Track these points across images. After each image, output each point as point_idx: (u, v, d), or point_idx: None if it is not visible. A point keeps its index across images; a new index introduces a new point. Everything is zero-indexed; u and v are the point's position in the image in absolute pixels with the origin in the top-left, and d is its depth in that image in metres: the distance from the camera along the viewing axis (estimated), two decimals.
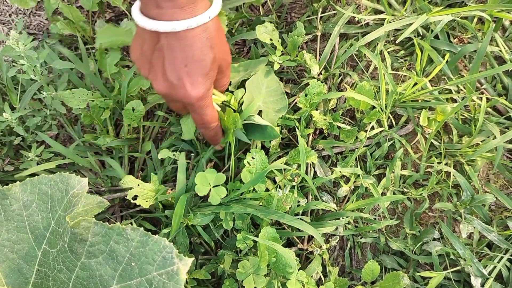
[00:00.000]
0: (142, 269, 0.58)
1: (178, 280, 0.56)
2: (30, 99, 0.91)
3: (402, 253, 0.92)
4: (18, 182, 0.66)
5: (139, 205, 0.96)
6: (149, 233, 0.58)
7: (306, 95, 0.86)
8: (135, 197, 0.81)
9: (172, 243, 0.80)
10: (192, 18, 0.59)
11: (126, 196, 0.96)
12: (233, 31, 1.03)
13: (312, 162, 0.90)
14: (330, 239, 0.87)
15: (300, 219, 0.82)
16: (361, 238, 0.91)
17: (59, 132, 1.00)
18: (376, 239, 0.91)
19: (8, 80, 0.90)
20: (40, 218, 0.65)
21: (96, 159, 0.94)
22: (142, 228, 0.59)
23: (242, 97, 0.87)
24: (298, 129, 0.87)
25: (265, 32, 0.86)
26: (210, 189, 0.80)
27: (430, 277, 0.85)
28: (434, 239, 0.88)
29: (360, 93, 0.81)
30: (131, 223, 0.92)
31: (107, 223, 0.60)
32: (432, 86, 0.91)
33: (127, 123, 0.90)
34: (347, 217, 0.87)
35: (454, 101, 0.93)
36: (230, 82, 0.89)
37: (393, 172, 0.90)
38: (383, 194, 0.91)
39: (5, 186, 0.65)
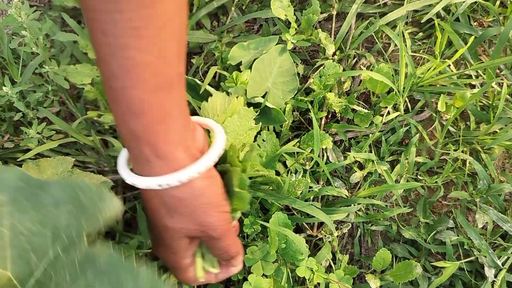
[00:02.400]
0: None
1: None
2: (32, 73, 0.87)
3: (414, 242, 0.89)
4: (62, 181, 0.62)
5: None
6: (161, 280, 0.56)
7: (320, 76, 0.82)
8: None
9: None
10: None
11: None
12: (244, 8, 0.98)
13: (325, 147, 0.87)
14: (340, 226, 0.84)
15: (311, 204, 0.79)
16: (372, 225, 0.89)
17: (60, 109, 0.96)
18: (388, 227, 0.89)
19: (8, 53, 0.86)
20: (66, 224, 0.62)
21: (99, 138, 0.90)
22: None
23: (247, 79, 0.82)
24: (312, 112, 0.84)
25: (280, 7, 0.82)
26: None
27: (442, 267, 0.83)
28: (448, 229, 0.86)
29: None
30: (135, 205, 0.90)
31: (123, 257, 0.57)
32: (450, 71, 0.87)
33: None
34: (359, 204, 0.85)
35: (472, 87, 0.90)
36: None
37: (407, 158, 0.87)
38: (396, 181, 0.88)
39: (45, 178, 0.62)
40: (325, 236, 0.80)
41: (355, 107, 0.80)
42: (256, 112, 0.73)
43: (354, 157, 0.83)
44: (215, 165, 0.53)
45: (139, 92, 0.43)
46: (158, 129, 0.45)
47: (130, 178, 0.50)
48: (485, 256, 0.82)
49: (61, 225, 0.61)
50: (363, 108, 0.86)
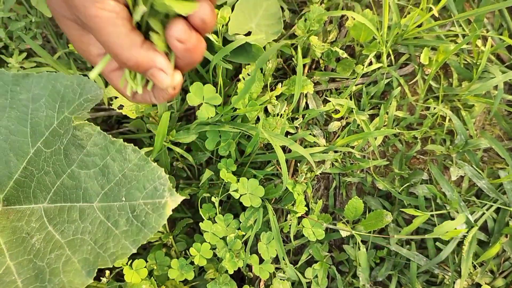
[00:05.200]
0: (129, 194, 0.55)
1: (162, 214, 0.53)
2: (14, 2, 0.86)
3: (388, 196, 0.89)
4: (35, 73, 0.61)
5: (122, 127, 0.93)
6: (149, 158, 0.55)
7: (305, 20, 0.82)
8: (120, 107, 0.77)
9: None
10: None
11: (110, 115, 0.93)
12: None
13: (306, 95, 0.87)
14: (314, 172, 0.84)
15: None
16: (347, 177, 0.89)
17: (43, 44, 0.95)
18: (363, 180, 0.89)
19: None
20: (44, 116, 0.61)
21: (80, 74, 0.90)
22: (143, 152, 0.56)
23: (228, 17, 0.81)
24: (295, 57, 0.83)
25: None
26: (202, 103, 0.76)
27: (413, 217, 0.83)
28: (422, 182, 0.86)
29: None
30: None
31: (110, 136, 0.56)
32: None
33: None
34: (335, 151, 0.84)
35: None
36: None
37: (387, 112, 0.87)
38: None
39: (21, 72, 0.61)
40: (302, 175, 0.80)
41: (337, 49, 0.80)
42: None
43: (333, 104, 0.83)
44: None
45: None
46: None
47: None
48: (457, 211, 0.82)
49: (40, 119, 0.61)
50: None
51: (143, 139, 0.89)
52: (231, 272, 0.76)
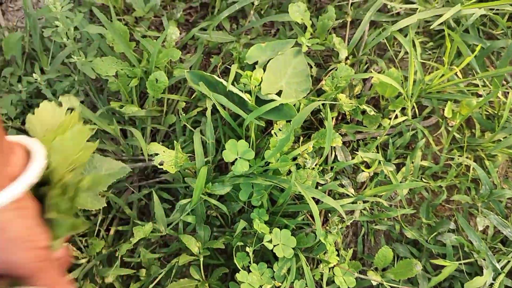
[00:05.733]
0: None
1: None
2: (60, 63, 0.93)
3: (416, 243, 0.92)
4: None
5: (157, 177, 0.98)
6: None
7: (333, 78, 0.86)
8: (161, 163, 0.82)
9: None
10: None
11: (147, 166, 0.97)
12: (262, 12, 1.03)
13: (334, 147, 0.91)
14: (345, 223, 0.87)
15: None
16: (375, 225, 0.92)
17: (84, 100, 1.01)
18: (391, 228, 0.92)
19: (40, 43, 0.91)
20: None
21: (120, 128, 0.95)
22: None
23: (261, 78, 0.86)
24: (323, 111, 0.88)
25: (298, 12, 0.87)
26: (237, 158, 0.81)
27: (442, 268, 0.85)
28: (449, 231, 0.88)
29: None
30: (150, 193, 0.94)
31: None
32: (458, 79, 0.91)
33: (152, 95, 0.91)
34: (364, 202, 0.88)
35: (480, 96, 0.93)
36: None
37: (413, 162, 0.90)
38: (401, 182, 0.91)
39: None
40: (332, 227, 0.83)
41: (365, 107, 0.84)
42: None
43: (361, 156, 0.87)
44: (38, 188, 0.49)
45: None
46: None
47: None
48: (484, 259, 0.84)
49: None
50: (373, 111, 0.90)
51: (179, 189, 0.94)
52: None
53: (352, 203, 0.88)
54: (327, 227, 0.86)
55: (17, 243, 0.44)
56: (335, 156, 0.90)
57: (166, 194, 0.94)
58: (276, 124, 0.85)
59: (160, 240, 0.94)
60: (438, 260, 0.81)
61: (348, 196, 0.89)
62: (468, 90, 0.89)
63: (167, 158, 0.83)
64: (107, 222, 0.93)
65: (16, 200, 0.43)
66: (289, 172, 0.87)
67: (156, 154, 0.84)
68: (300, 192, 0.88)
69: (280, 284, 0.82)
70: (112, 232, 0.92)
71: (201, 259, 0.85)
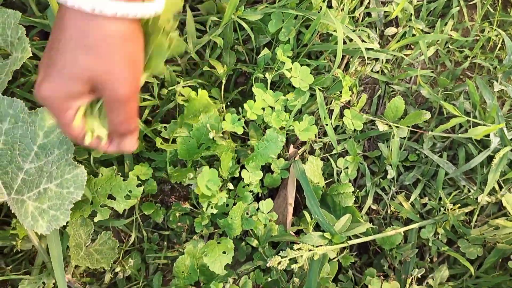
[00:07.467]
0: None
1: None
2: None
3: (429, 109, 0.94)
4: None
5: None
6: None
7: None
8: None
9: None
10: None
11: None
12: None
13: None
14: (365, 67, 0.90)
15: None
16: (393, 86, 0.94)
17: None
18: (407, 90, 0.94)
19: None
20: None
21: None
22: None
23: None
24: None
25: None
26: None
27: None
28: (464, 92, 0.90)
29: None
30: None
31: None
32: None
33: None
34: (387, 60, 0.90)
35: None
36: None
37: (442, 30, 0.92)
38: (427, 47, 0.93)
39: None
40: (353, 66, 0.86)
41: None
42: None
43: (394, 8, 0.89)
44: None
45: None
46: None
47: None
48: (493, 122, 0.86)
49: None
50: None
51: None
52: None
53: (377, 51, 0.90)
54: (347, 71, 0.89)
55: (129, 60, 0.48)
56: (368, 6, 0.92)
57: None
58: None
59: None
60: (448, 105, 0.83)
61: (373, 50, 0.92)
62: None
63: None
64: None
65: (138, 20, 0.47)
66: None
67: None
68: (327, 32, 0.92)
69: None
70: None
71: (224, 80, 0.89)
